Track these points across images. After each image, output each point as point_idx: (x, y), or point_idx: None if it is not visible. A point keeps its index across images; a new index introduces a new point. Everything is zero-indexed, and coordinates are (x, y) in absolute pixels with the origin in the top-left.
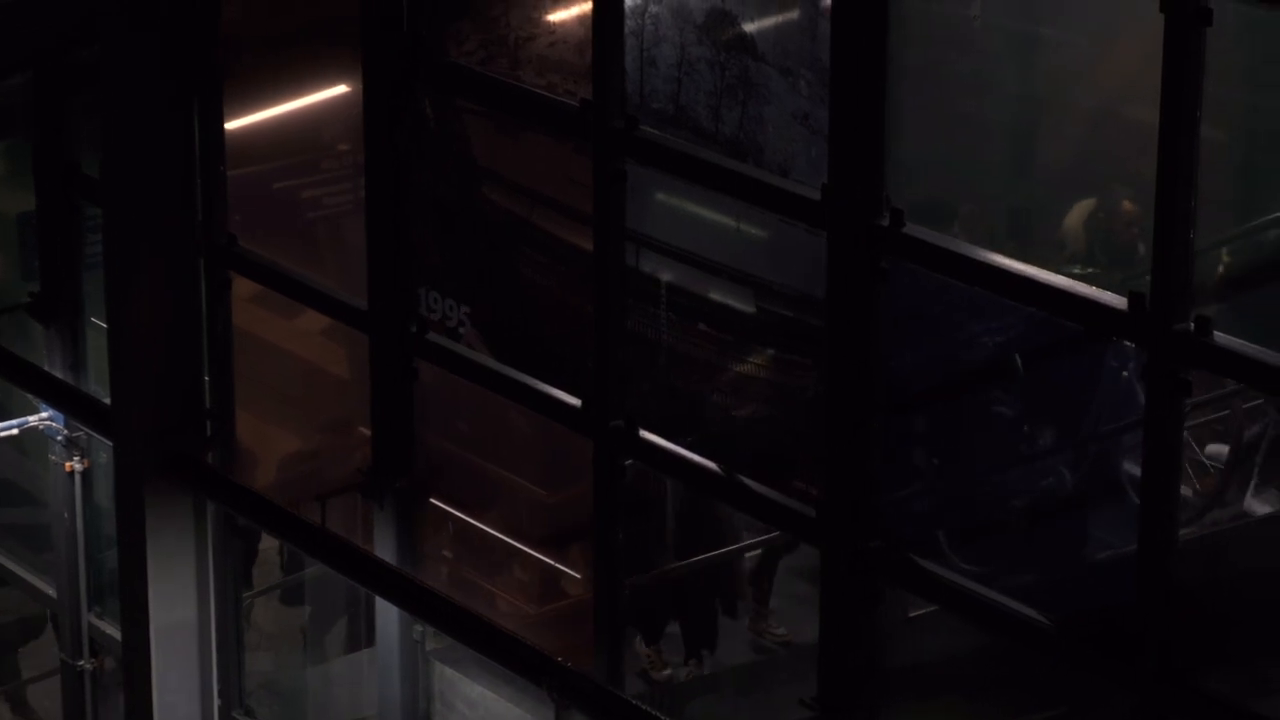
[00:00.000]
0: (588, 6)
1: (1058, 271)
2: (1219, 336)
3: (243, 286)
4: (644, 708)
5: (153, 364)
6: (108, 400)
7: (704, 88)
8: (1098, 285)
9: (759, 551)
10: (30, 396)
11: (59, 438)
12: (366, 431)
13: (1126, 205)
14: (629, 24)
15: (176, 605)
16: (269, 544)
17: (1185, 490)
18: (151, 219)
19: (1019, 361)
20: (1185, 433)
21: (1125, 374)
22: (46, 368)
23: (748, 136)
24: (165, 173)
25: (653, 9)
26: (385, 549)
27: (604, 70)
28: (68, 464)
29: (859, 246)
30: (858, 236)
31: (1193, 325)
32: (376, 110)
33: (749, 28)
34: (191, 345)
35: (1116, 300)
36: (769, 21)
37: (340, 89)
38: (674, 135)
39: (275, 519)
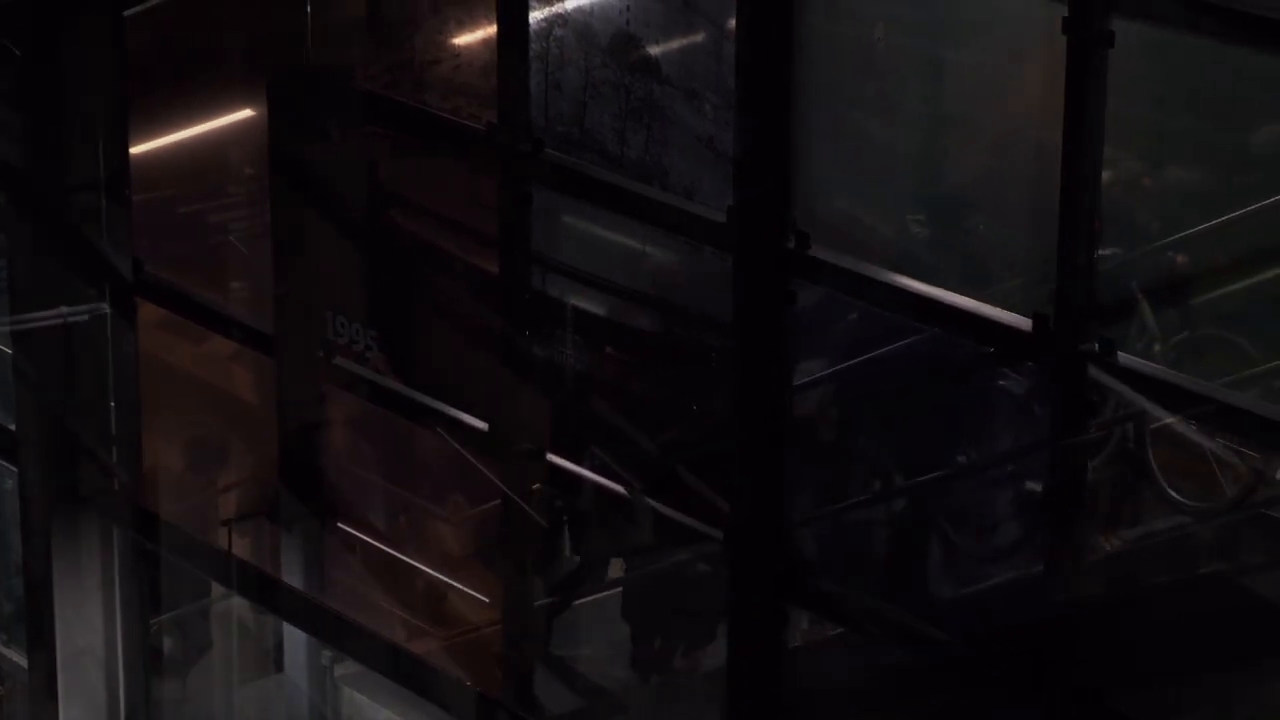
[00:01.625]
0: (493, 30)
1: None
2: (1123, 357)
3: (150, 313)
4: None
5: (56, 390)
6: (12, 426)
7: (610, 111)
8: None
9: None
10: None
11: None
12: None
13: None
14: (534, 47)
15: (83, 631)
16: None
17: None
18: (53, 245)
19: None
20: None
21: (1023, 394)
22: None
23: (653, 160)
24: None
25: (558, 32)
26: (293, 574)
27: (509, 94)
28: None
29: (765, 269)
30: (764, 259)
31: (1097, 346)
32: (281, 134)
33: (654, 50)
34: (98, 371)
35: (1021, 321)
36: (674, 44)
37: (246, 113)
38: (580, 159)
39: (182, 545)
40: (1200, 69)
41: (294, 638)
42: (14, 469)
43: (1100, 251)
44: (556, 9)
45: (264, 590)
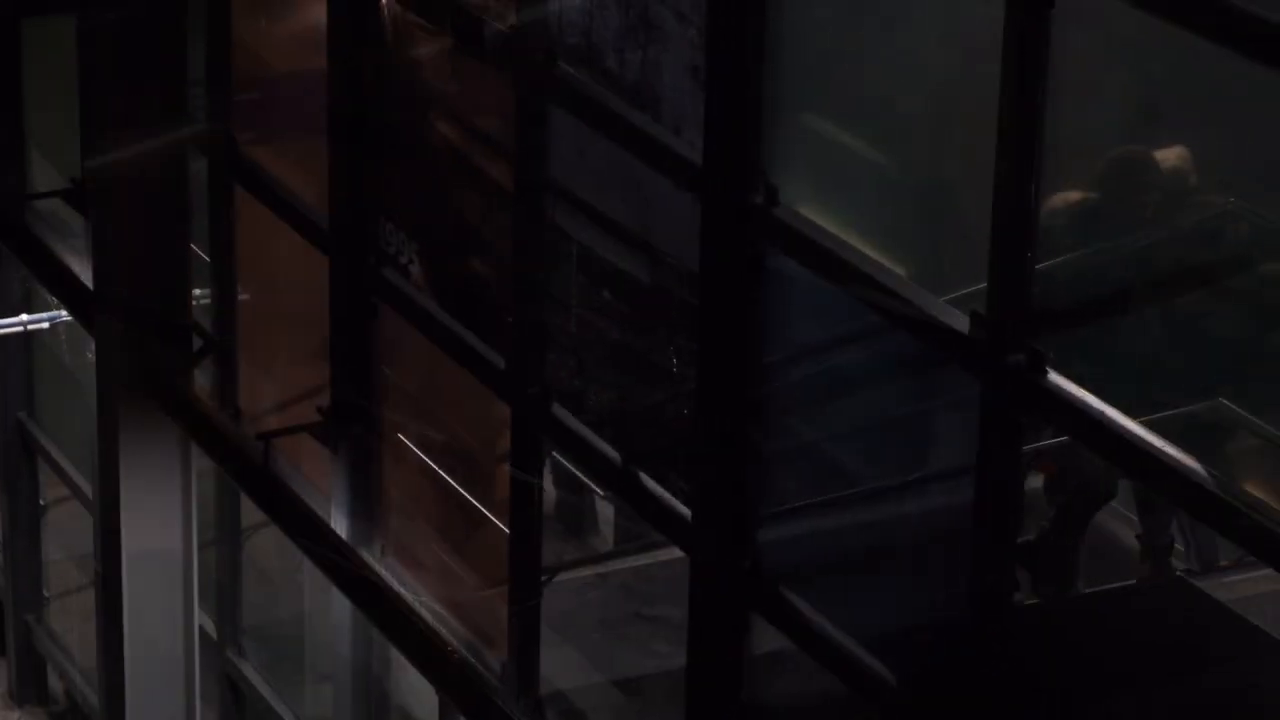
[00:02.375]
0: None
1: None
2: (1052, 376)
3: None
4: None
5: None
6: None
7: (612, 26)
8: None
9: None
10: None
11: None
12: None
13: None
14: None
15: (154, 533)
16: None
17: None
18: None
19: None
20: None
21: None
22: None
23: (647, 84)
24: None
25: None
26: (339, 499)
27: None
28: None
29: (732, 224)
30: (731, 213)
31: (1025, 359)
32: (339, 19)
33: None
34: (180, 249)
35: (959, 321)
36: None
37: None
38: (585, 75)
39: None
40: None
41: None
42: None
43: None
44: None
45: (301, 528)
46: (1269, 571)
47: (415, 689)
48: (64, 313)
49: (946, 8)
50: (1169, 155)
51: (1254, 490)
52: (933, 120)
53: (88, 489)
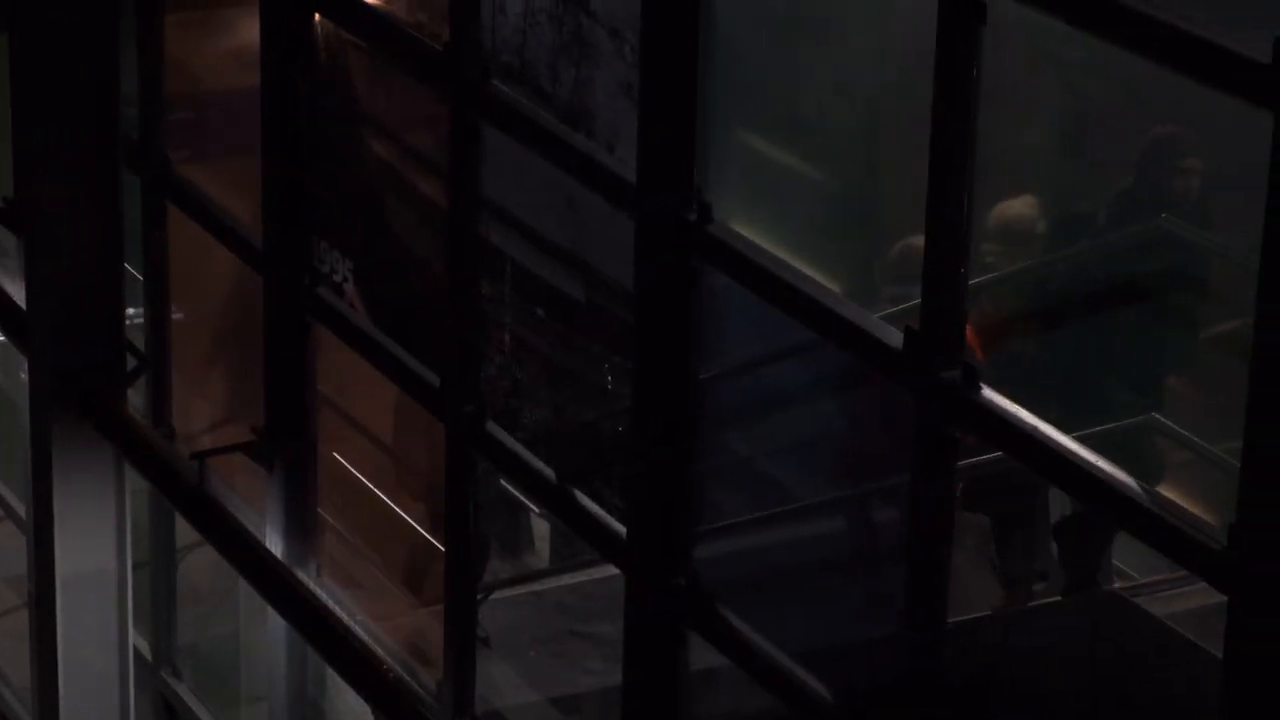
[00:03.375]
0: None
1: None
2: (986, 392)
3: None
4: None
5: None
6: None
7: (545, 44)
8: None
9: None
10: None
11: None
12: None
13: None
14: None
15: (88, 553)
16: None
17: None
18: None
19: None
20: None
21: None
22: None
23: (580, 102)
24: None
25: None
26: (274, 518)
27: (461, 13)
28: None
29: (666, 241)
30: (665, 230)
31: (958, 374)
32: (272, 38)
33: None
34: (113, 271)
35: (894, 337)
36: None
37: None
38: (519, 93)
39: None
40: None
41: None
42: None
43: None
44: None
45: (233, 547)
46: (1203, 585)
47: (351, 709)
48: None
49: (879, 23)
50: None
51: (1185, 504)
52: (866, 136)
53: (21, 509)
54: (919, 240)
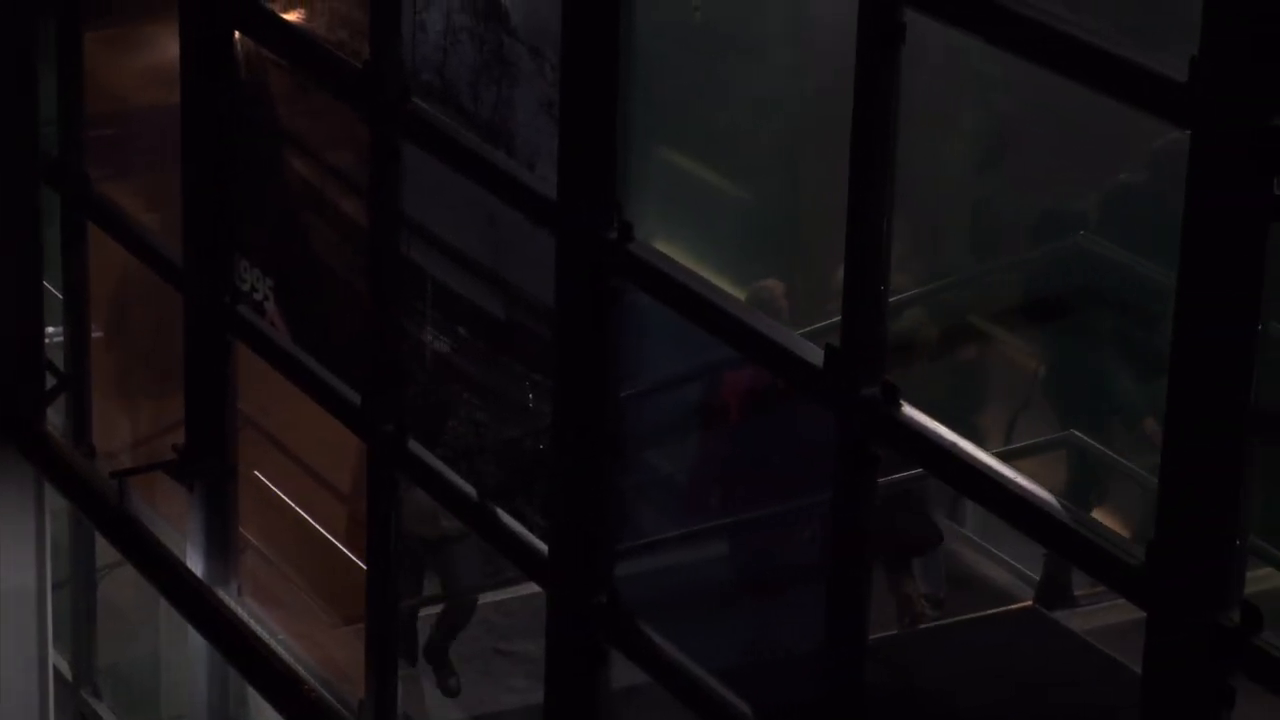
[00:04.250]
0: None
1: None
2: (907, 409)
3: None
4: None
5: None
6: None
7: (466, 62)
8: None
9: None
10: None
11: None
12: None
13: None
14: None
15: (8, 572)
16: None
17: None
18: None
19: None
20: None
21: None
22: None
23: (501, 121)
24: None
25: None
26: (195, 537)
27: (381, 33)
28: None
29: (587, 259)
30: (586, 248)
31: (878, 391)
32: (192, 56)
33: None
34: (32, 289)
35: (814, 354)
36: None
37: None
38: (440, 111)
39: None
40: None
41: None
42: None
43: None
44: None
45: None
46: (1121, 601)
47: None
48: None
49: (799, 41)
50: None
51: (1103, 519)
52: (786, 154)
53: None
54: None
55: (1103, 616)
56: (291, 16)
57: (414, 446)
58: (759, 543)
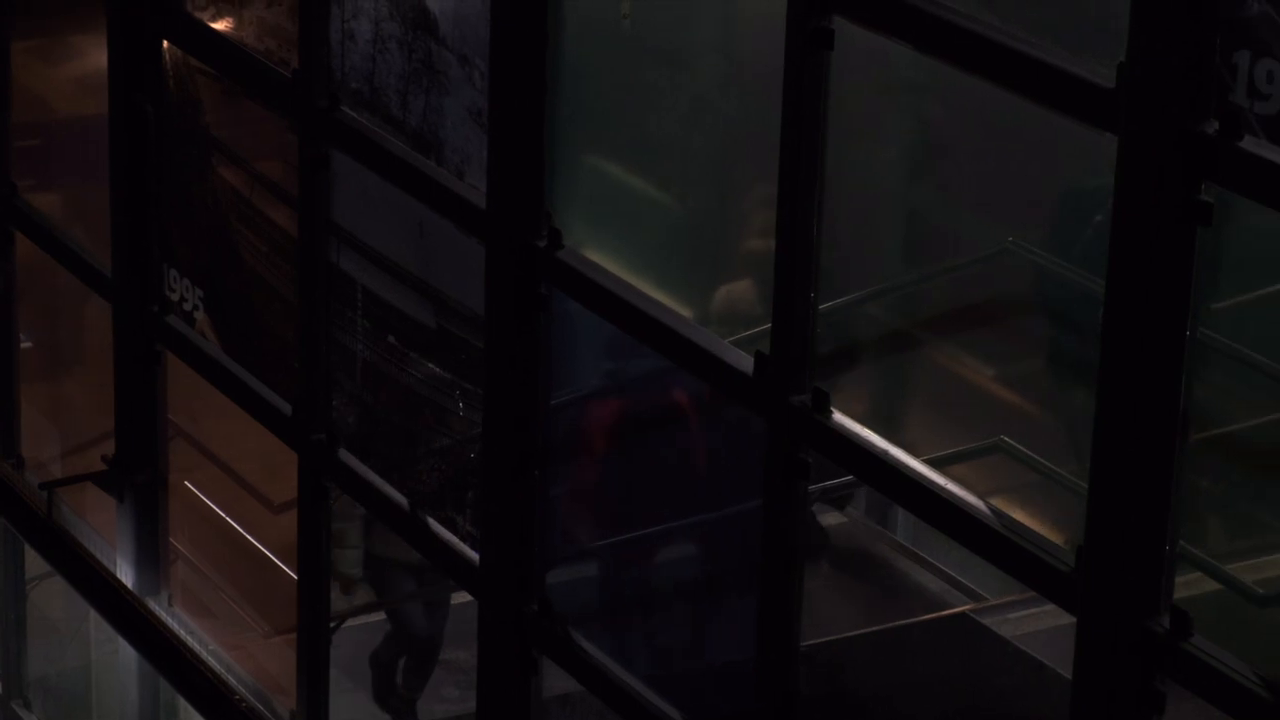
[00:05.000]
0: None
1: None
2: (837, 416)
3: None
4: None
5: None
6: None
7: (395, 71)
8: None
9: None
10: None
11: None
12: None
13: None
14: None
15: None
16: None
17: None
18: None
19: None
20: None
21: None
22: None
23: (430, 129)
24: None
25: None
26: (125, 548)
27: (309, 41)
28: None
29: (516, 267)
30: (515, 256)
31: (809, 399)
32: (119, 65)
33: (433, 5)
34: None
35: (744, 361)
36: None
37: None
38: (369, 120)
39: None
40: None
41: None
42: None
43: None
44: None
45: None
46: (1051, 607)
47: None
48: None
49: (728, 50)
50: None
51: (1032, 525)
52: (716, 162)
53: None
54: (740, 285)
55: (1033, 622)
56: (220, 26)
57: (345, 455)
58: (669, 553)
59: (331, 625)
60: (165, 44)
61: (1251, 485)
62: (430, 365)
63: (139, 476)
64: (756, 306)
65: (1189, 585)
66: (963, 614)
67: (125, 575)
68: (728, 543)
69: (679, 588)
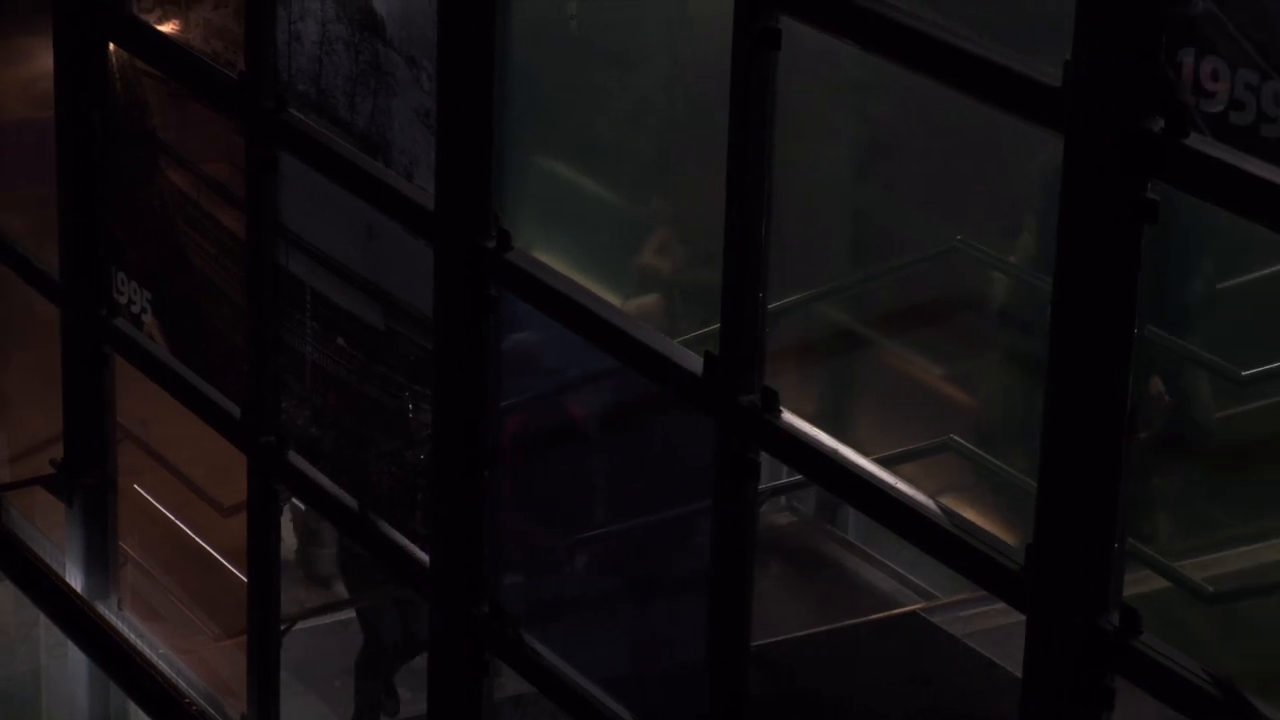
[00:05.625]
0: None
1: None
2: (787, 416)
3: None
4: None
5: None
6: None
7: (342, 72)
8: None
9: None
10: None
11: None
12: None
13: None
14: None
15: None
16: None
17: None
18: None
19: None
20: None
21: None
22: None
23: (378, 131)
24: None
25: None
26: (74, 552)
27: (256, 42)
28: None
29: (465, 268)
30: (464, 258)
31: (758, 399)
32: (66, 68)
33: (379, 7)
34: None
35: (693, 361)
36: (395, 1)
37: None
38: (316, 121)
39: None
40: None
41: None
42: None
43: None
44: None
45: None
46: (1001, 605)
47: None
48: None
49: (676, 50)
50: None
51: (981, 524)
52: (664, 162)
53: None
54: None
55: (984, 620)
56: (166, 28)
57: (294, 458)
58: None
59: (282, 628)
60: (111, 46)
61: (1202, 484)
62: (380, 367)
63: (88, 480)
64: (664, 321)
65: (1138, 583)
66: (913, 613)
67: (74, 579)
68: (679, 544)
69: (630, 589)
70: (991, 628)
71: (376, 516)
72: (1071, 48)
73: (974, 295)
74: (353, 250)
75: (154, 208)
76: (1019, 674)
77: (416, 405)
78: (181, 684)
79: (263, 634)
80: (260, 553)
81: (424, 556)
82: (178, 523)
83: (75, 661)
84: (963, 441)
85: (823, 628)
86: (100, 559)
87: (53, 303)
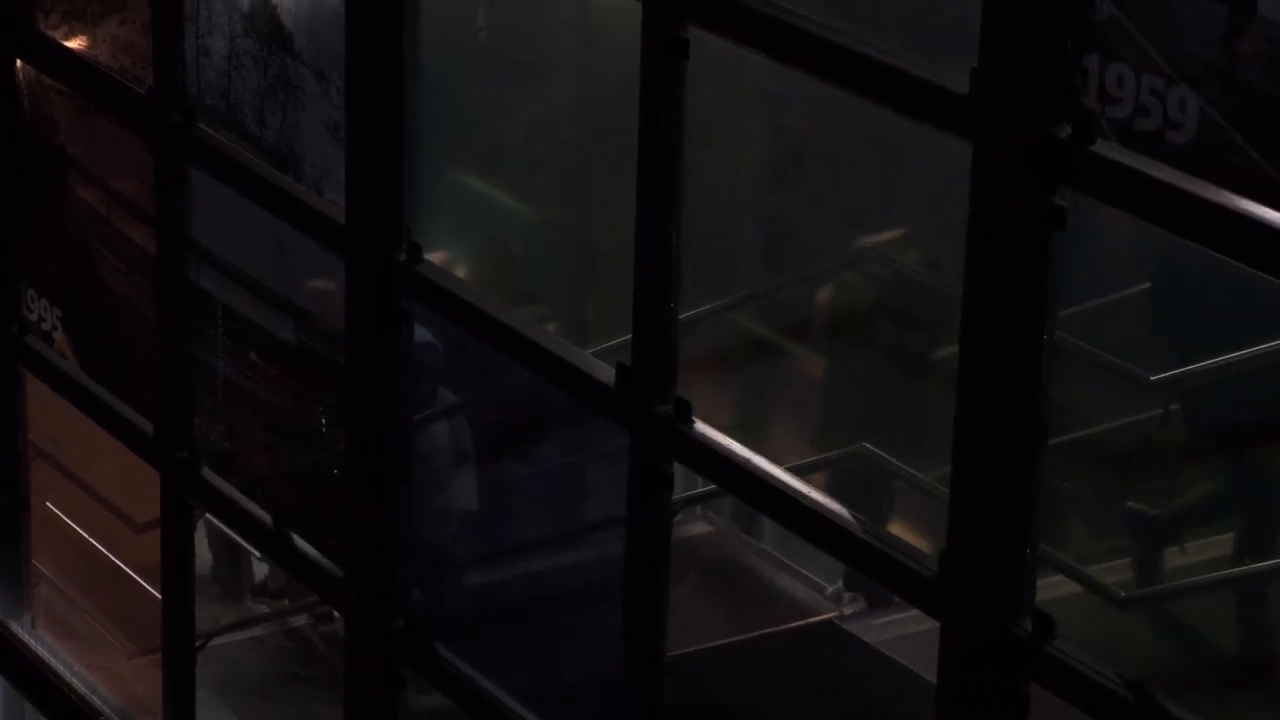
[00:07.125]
0: None
1: None
2: (700, 426)
3: None
4: None
5: None
6: None
7: (250, 86)
8: None
9: None
10: None
11: None
12: None
13: None
14: (188, 6)
15: None
16: None
17: None
18: None
19: None
20: None
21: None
22: None
23: (287, 145)
24: None
25: None
26: None
27: (164, 57)
28: None
29: (376, 282)
30: (375, 271)
31: (671, 409)
32: None
33: (286, 20)
34: None
35: (605, 372)
36: (303, 15)
37: None
38: (226, 136)
39: None
40: None
41: None
42: None
43: None
44: None
45: None
46: (915, 612)
47: None
48: None
49: (584, 60)
50: None
51: (897, 532)
52: (574, 172)
53: None
54: None
55: (898, 627)
56: (73, 43)
57: (208, 474)
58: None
59: (197, 644)
60: (19, 63)
61: (1112, 488)
62: (292, 381)
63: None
64: None
65: (1051, 588)
66: (828, 621)
67: None
68: (594, 555)
69: (546, 601)
70: (906, 634)
71: (289, 531)
72: (979, 55)
73: (884, 302)
74: (264, 264)
75: (63, 224)
76: (934, 680)
77: (329, 419)
78: (96, 702)
79: (178, 651)
80: (174, 569)
81: (337, 571)
82: (91, 540)
83: None
84: (874, 449)
85: (738, 637)
86: (13, 577)
87: None
